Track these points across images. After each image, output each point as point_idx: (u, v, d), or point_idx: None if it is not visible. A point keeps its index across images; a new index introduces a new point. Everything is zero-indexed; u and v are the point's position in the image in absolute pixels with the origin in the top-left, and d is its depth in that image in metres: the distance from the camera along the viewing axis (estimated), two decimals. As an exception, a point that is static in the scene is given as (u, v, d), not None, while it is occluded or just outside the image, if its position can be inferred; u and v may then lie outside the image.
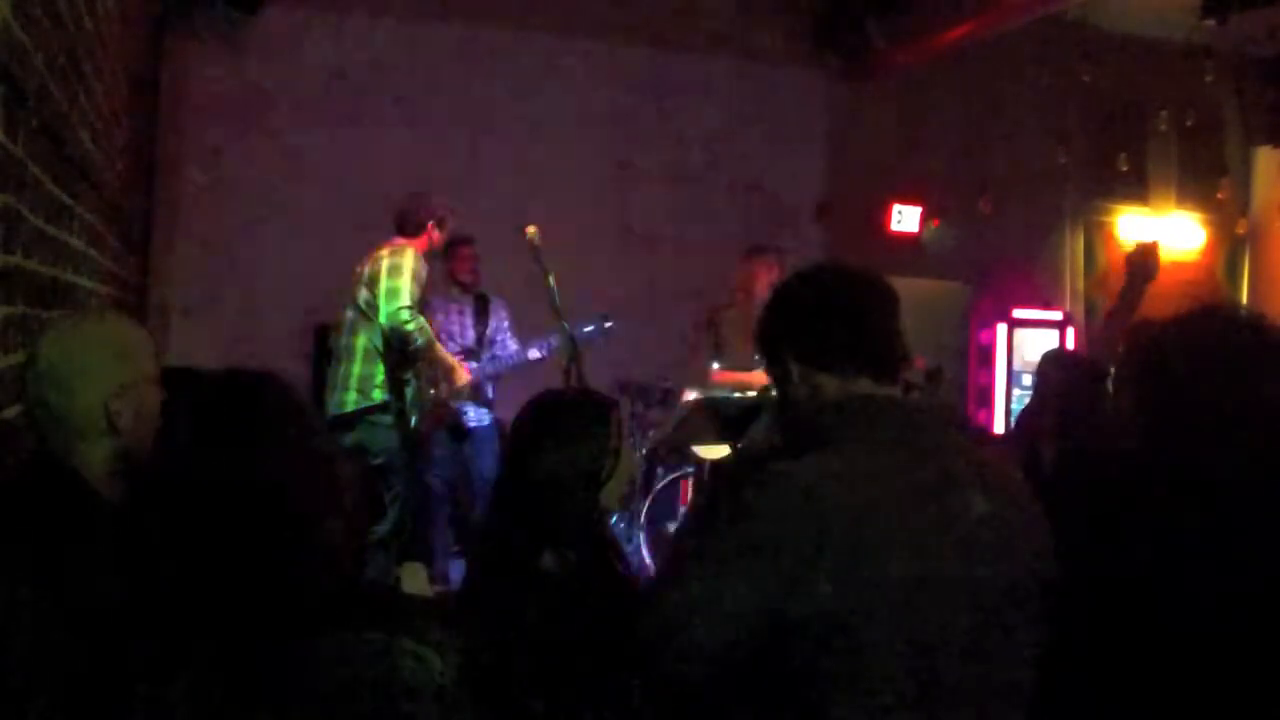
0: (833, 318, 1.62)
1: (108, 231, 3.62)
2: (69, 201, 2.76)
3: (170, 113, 5.67)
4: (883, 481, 1.45)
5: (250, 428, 1.44)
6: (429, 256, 4.62)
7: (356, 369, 4.45)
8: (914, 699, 1.40)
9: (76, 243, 2.92)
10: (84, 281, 3.07)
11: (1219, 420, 1.64)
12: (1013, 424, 4.51)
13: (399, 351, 4.38)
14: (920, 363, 5.45)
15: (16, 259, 2.16)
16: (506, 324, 5.34)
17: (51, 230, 2.53)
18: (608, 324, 5.01)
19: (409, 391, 4.48)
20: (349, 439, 4.37)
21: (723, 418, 4.03)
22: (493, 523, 2.12)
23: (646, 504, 5.30)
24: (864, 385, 1.57)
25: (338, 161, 5.94)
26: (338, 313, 4.68)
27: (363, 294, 4.46)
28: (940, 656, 1.41)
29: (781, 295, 1.69)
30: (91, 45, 3.06)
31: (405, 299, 4.31)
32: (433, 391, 4.74)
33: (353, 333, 4.48)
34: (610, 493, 2.08)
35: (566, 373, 4.66)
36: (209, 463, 1.43)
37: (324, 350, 5.73)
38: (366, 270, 4.49)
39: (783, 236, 5.69)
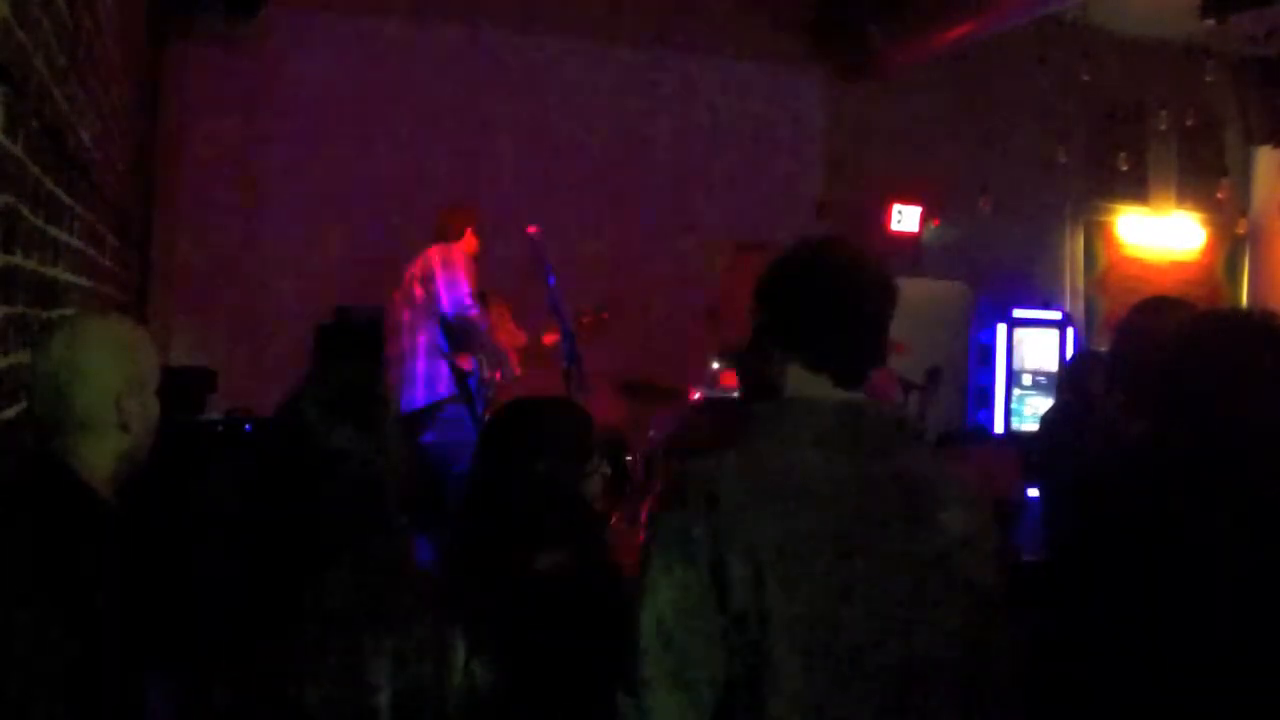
0: (790, 311, 1.53)
1: (108, 231, 3.62)
2: (69, 201, 2.76)
3: (170, 113, 5.67)
4: (786, 480, 1.42)
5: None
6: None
7: (422, 367, 4.57)
8: (825, 691, 1.38)
9: (76, 243, 2.92)
10: (84, 281, 3.07)
11: (1232, 421, 1.63)
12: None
13: (459, 341, 4.51)
14: (899, 348, 5.43)
15: (16, 259, 2.16)
16: (509, 323, 5.36)
17: (51, 230, 2.53)
18: (604, 314, 5.07)
19: (472, 382, 4.62)
20: (429, 435, 4.52)
21: (724, 417, 4.04)
22: (476, 526, 2.05)
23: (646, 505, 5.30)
24: (819, 385, 1.50)
25: (337, 162, 5.94)
26: (388, 316, 4.80)
27: (418, 292, 4.57)
28: (849, 646, 1.39)
29: (776, 273, 1.57)
30: (91, 45, 3.06)
31: (466, 288, 4.52)
32: (493, 378, 4.82)
33: (412, 333, 4.62)
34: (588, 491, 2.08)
35: (566, 373, 4.67)
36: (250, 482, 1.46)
37: (324, 350, 5.74)
38: (420, 270, 4.63)
39: (782, 236, 5.68)
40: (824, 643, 1.38)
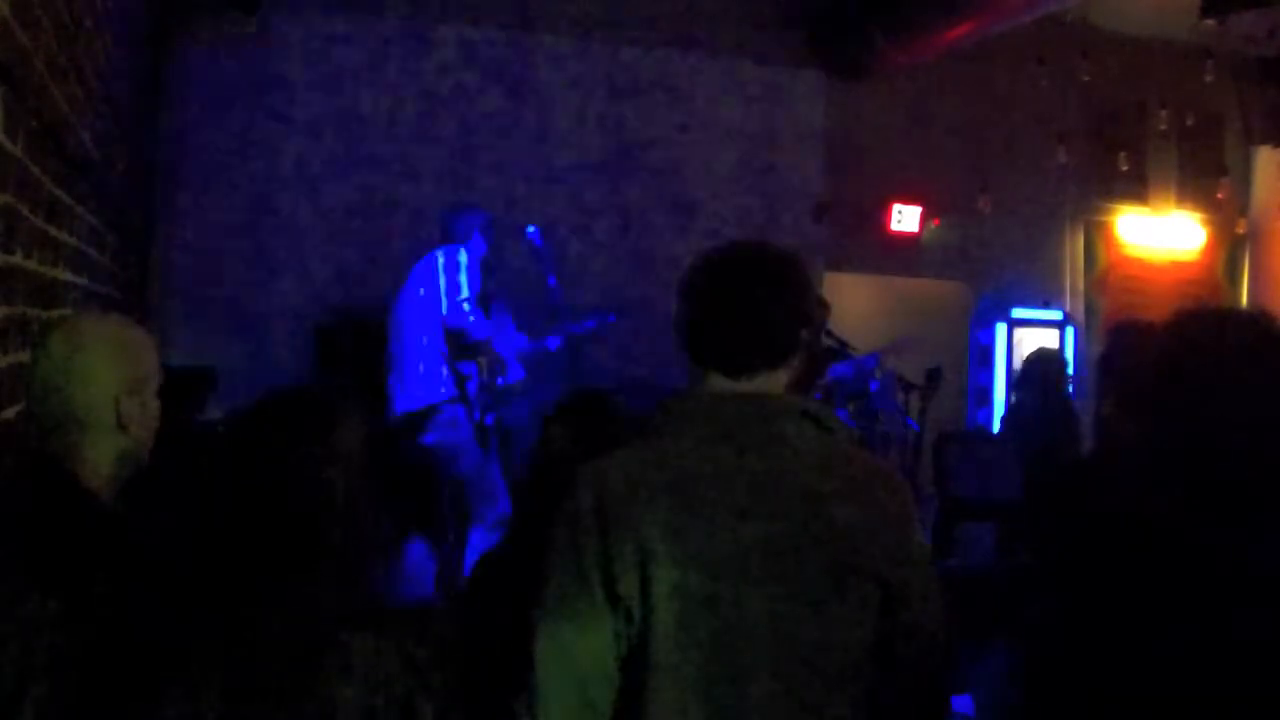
0: (685, 313, 1.57)
1: (108, 231, 3.62)
2: (69, 201, 2.76)
3: (170, 112, 5.67)
4: (667, 473, 1.43)
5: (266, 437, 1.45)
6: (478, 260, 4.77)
7: (421, 368, 4.57)
8: (703, 684, 1.39)
9: (76, 243, 2.92)
10: (84, 281, 3.07)
11: (1219, 422, 1.63)
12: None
13: (459, 345, 4.50)
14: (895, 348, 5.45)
15: (16, 259, 2.16)
16: (510, 323, 5.35)
17: (51, 230, 2.53)
18: (610, 318, 5.06)
19: (471, 386, 4.61)
20: (428, 437, 4.55)
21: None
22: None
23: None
24: (711, 379, 1.52)
25: (337, 161, 5.94)
26: (390, 315, 4.79)
27: (420, 293, 4.57)
28: (730, 639, 1.40)
29: (680, 280, 1.61)
30: (91, 45, 3.06)
31: (464, 292, 4.49)
32: (488, 381, 4.82)
33: (414, 334, 4.61)
34: None
35: (567, 373, 4.68)
36: (218, 471, 1.45)
37: (324, 350, 5.74)
38: (423, 271, 4.64)
39: (783, 236, 5.70)
40: (706, 634, 1.39)
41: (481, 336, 4.55)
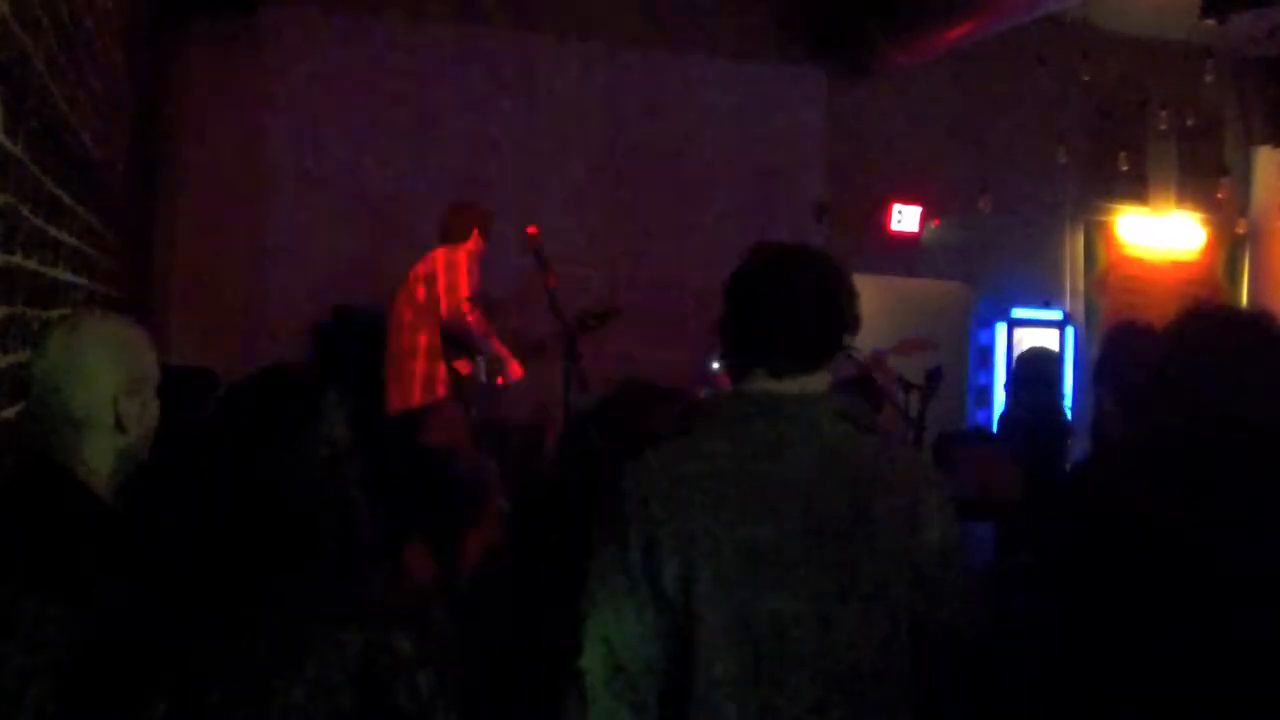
0: (732, 313, 1.60)
1: (108, 231, 3.62)
2: (69, 201, 2.76)
3: (170, 112, 5.67)
4: (706, 474, 1.45)
5: (255, 427, 1.45)
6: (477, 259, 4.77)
7: (420, 366, 4.57)
8: (744, 678, 1.40)
9: (76, 243, 2.92)
10: (84, 281, 3.07)
11: (1219, 422, 1.63)
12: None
13: (457, 344, 4.50)
14: (930, 344, 5.45)
15: (16, 259, 2.16)
16: (509, 323, 5.36)
17: (51, 230, 2.53)
18: (608, 319, 5.05)
19: (469, 385, 4.63)
20: (424, 436, 4.51)
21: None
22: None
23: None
24: (755, 378, 1.55)
25: (337, 161, 5.94)
26: (389, 313, 4.78)
27: (420, 292, 4.57)
28: (769, 633, 1.42)
29: (727, 282, 1.65)
30: (91, 45, 3.06)
31: (465, 292, 4.49)
32: (493, 382, 4.83)
33: (413, 332, 4.62)
34: None
35: (566, 372, 4.68)
36: (212, 461, 1.45)
37: (324, 350, 5.74)
38: (423, 270, 4.63)
39: (783, 236, 5.68)
40: (748, 629, 1.40)
41: (480, 336, 4.55)
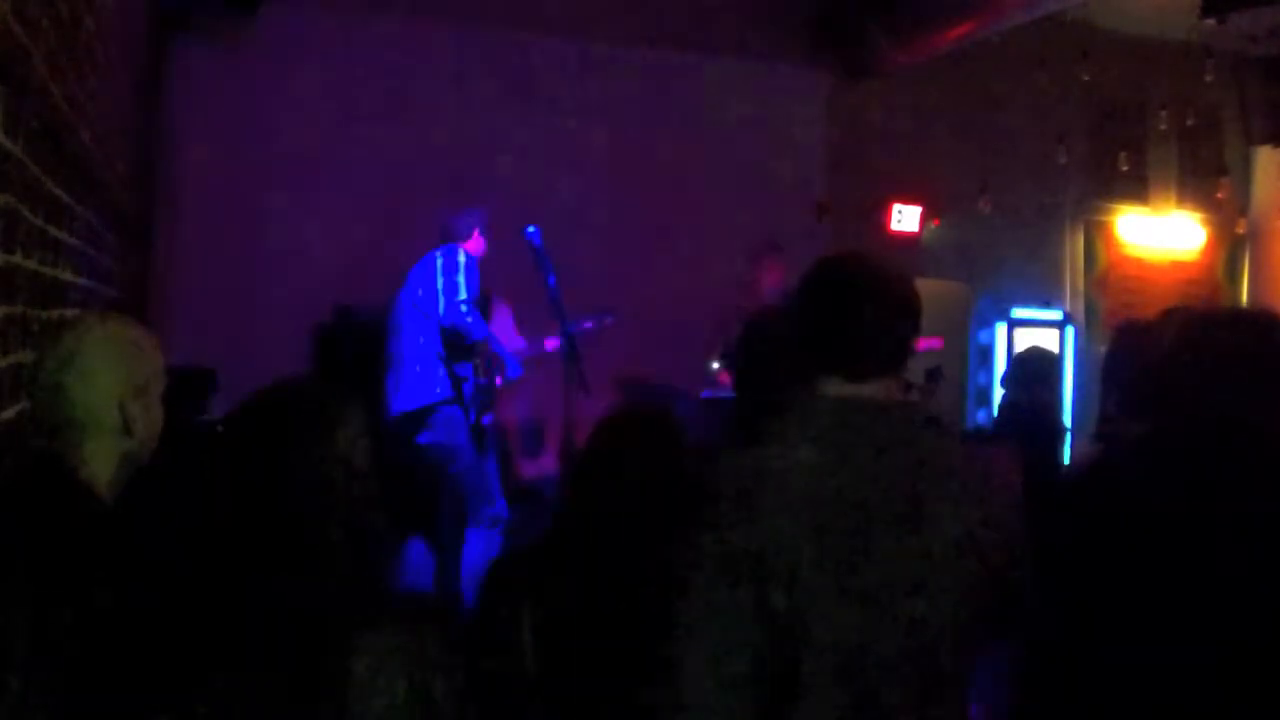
0: (803, 314, 1.63)
1: (108, 231, 3.62)
2: (69, 201, 2.76)
3: (170, 113, 5.67)
4: (793, 479, 1.46)
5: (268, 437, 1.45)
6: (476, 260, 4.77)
7: (418, 368, 4.57)
8: (851, 690, 1.42)
9: (76, 243, 2.92)
10: (84, 281, 3.07)
11: (1230, 421, 1.63)
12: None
13: (456, 346, 4.50)
14: (939, 343, 5.46)
15: (16, 259, 2.16)
16: (510, 323, 5.36)
17: (51, 230, 2.53)
18: (608, 319, 5.05)
19: (467, 386, 4.63)
20: (424, 437, 4.56)
21: (725, 418, 4.04)
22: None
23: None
24: (831, 384, 1.57)
25: (337, 161, 5.93)
26: (388, 316, 4.80)
27: (419, 294, 4.56)
28: (878, 641, 1.44)
29: (798, 286, 1.69)
30: (91, 45, 3.06)
31: (463, 293, 4.49)
32: (485, 382, 4.82)
33: (412, 334, 4.62)
34: None
35: (567, 374, 4.68)
36: (222, 474, 1.44)
37: (324, 350, 5.74)
38: (421, 271, 4.64)
39: (783, 236, 5.69)
40: (853, 638, 1.42)
41: (479, 337, 4.55)
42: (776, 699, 1.42)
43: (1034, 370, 4.67)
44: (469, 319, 4.47)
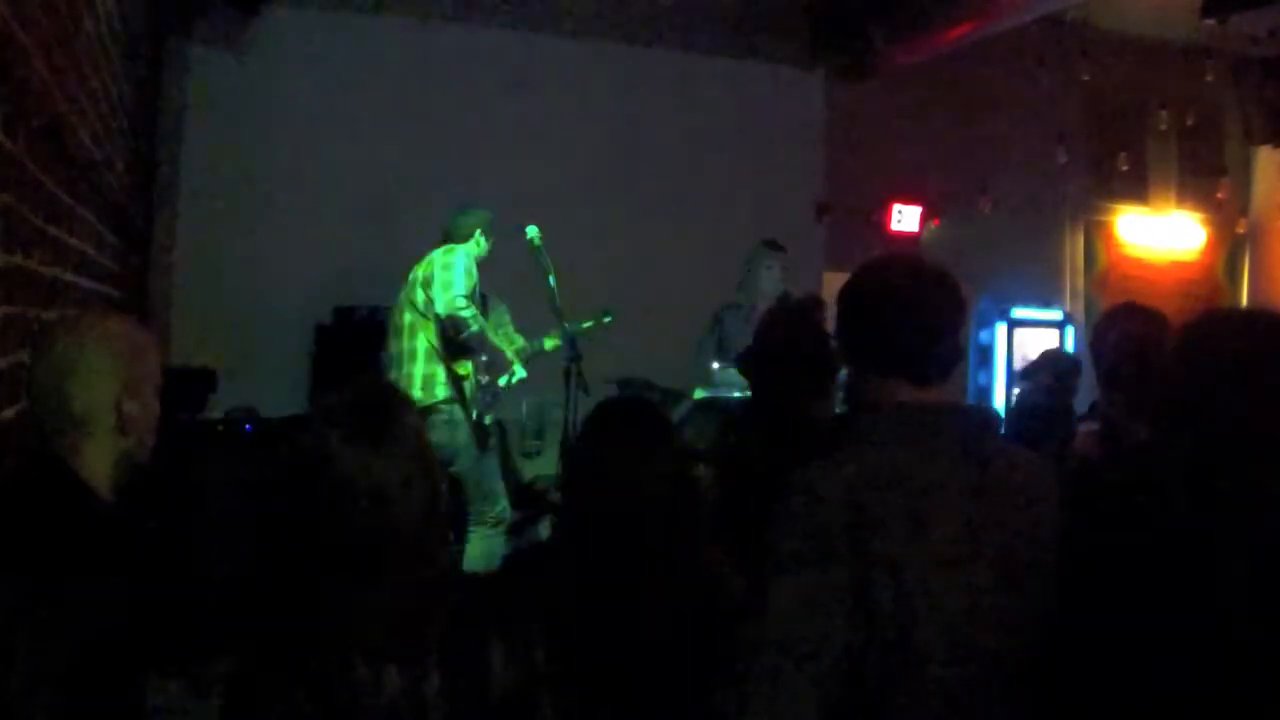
0: (865, 320, 1.65)
1: (108, 231, 3.62)
2: (69, 201, 2.76)
3: (170, 113, 5.67)
4: (910, 483, 1.50)
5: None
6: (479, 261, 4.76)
7: (420, 369, 4.59)
8: (952, 690, 1.46)
9: (76, 243, 2.92)
10: (84, 281, 3.07)
11: (1235, 423, 1.62)
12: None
13: (455, 343, 4.49)
14: None
15: (16, 259, 2.16)
16: (508, 321, 5.35)
17: (51, 230, 2.53)
18: (607, 318, 5.04)
19: (468, 386, 4.61)
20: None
21: (723, 417, 4.04)
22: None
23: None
24: (899, 388, 1.60)
25: (338, 161, 5.93)
26: (389, 317, 4.79)
27: (419, 295, 4.59)
28: (974, 642, 1.48)
29: (840, 295, 1.71)
30: (91, 45, 3.06)
31: (460, 289, 4.47)
32: (486, 381, 4.81)
33: (412, 335, 4.62)
34: None
35: (566, 372, 4.68)
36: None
37: (324, 349, 5.74)
38: (421, 272, 4.64)
39: (783, 236, 5.69)
40: (958, 642, 1.46)
41: (475, 330, 4.53)
42: (873, 704, 1.44)
43: (1065, 371, 4.61)
44: (465, 312, 4.47)
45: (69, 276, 2.80)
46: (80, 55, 2.86)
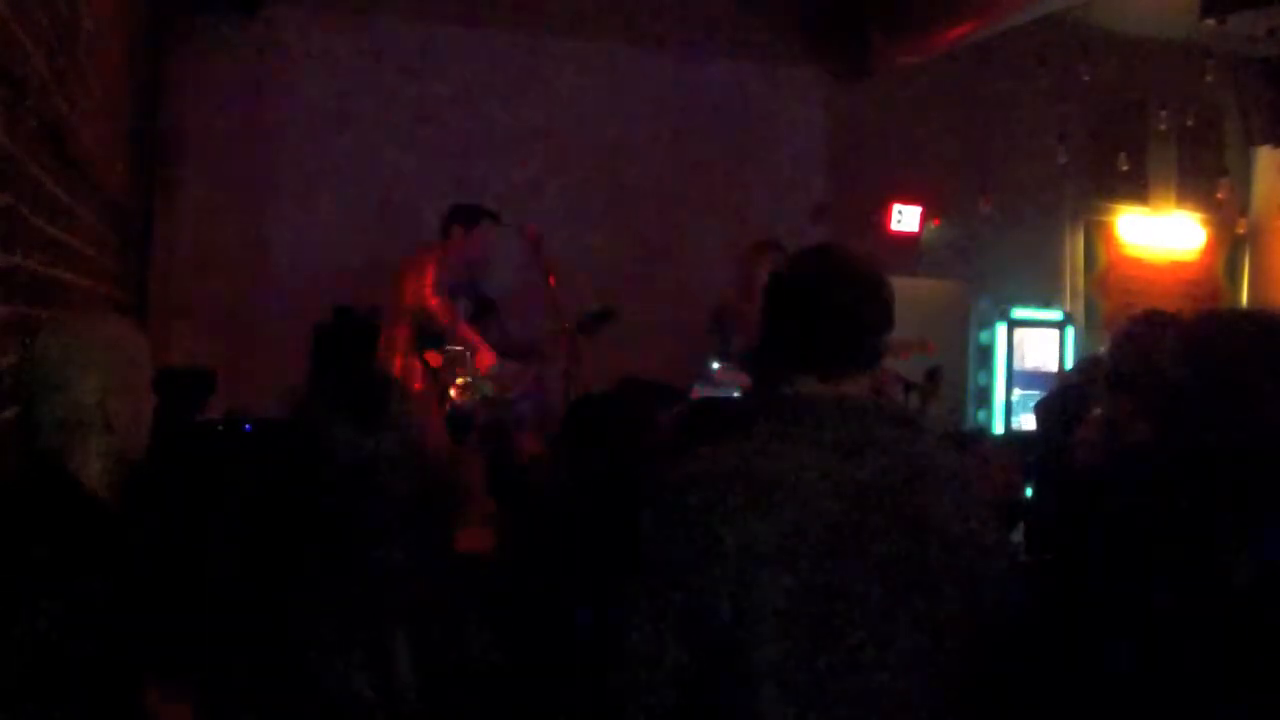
0: (782, 315, 1.60)
1: (108, 231, 3.62)
2: (69, 201, 2.76)
3: (170, 112, 5.67)
4: (773, 477, 1.44)
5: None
6: (460, 255, 4.79)
7: (399, 361, 4.69)
8: (807, 681, 1.40)
9: (76, 243, 2.92)
10: (84, 281, 3.07)
11: (1236, 423, 1.62)
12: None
13: (428, 336, 4.54)
14: (931, 347, 5.46)
15: (16, 259, 2.16)
16: (503, 320, 5.36)
17: (51, 230, 2.53)
18: (605, 318, 5.06)
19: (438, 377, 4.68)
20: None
21: (723, 417, 4.03)
22: None
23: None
24: (805, 383, 1.54)
25: (337, 161, 5.94)
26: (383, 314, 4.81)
27: (401, 289, 4.67)
28: (832, 637, 1.41)
29: (770, 282, 1.65)
30: (91, 45, 3.06)
31: (429, 280, 4.56)
32: (460, 377, 4.83)
33: (393, 327, 4.75)
34: None
35: (566, 372, 4.69)
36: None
37: (324, 349, 5.73)
38: (403, 268, 4.71)
39: (782, 236, 5.69)
40: (810, 643, 1.39)
41: (446, 324, 4.59)
42: (730, 693, 1.40)
43: (1089, 377, 4.50)
44: (433, 302, 4.54)
45: (69, 276, 2.80)
46: (80, 55, 2.86)
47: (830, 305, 1.55)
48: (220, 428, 4.66)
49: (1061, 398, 4.27)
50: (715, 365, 5.04)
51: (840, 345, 1.55)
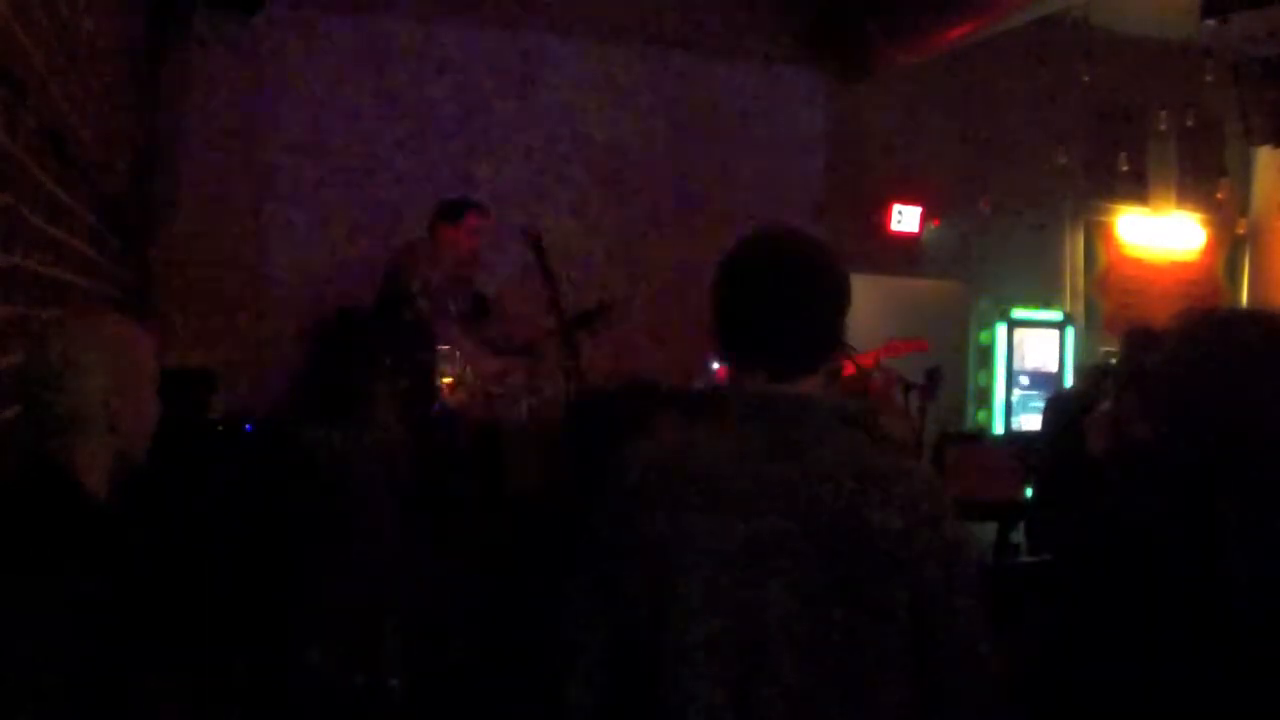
0: (727, 306, 1.51)
1: (108, 231, 3.62)
2: (69, 201, 2.76)
3: (170, 112, 5.66)
4: (692, 472, 1.44)
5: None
6: (447, 252, 4.81)
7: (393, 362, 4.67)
8: (725, 676, 1.37)
9: (76, 243, 2.92)
10: (84, 281, 3.07)
11: (1236, 423, 1.62)
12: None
13: (415, 332, 4.57)
14: (924, 345, 5.46)
15: (16, 259, 2.16)
16: (505, 321, 5.36)
17: (51, 230, 2.53)
18: (605, 317, 5.06)
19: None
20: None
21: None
22: None
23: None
24: (753, 379, 1.48)
25: (338, 162, 5.93)
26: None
27: (386, 287, 4.69)
28: (753, 634, 1.38)
29: (715, 274, 1.55)
30: (91, 45, 3.06)
31: (415, 280, 4.57)
32: (448, 376, 4.83)
33: (381, 325, 4.70)
34: None
35: (565, 372, 4.68)
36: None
37: (324, 349, 5.73)
38: (386, 268, 4.74)
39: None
40: (722, 627, 1.38)
41: (424, 324, 4.60)
42: (648, 680, 1.40)
43: (1098, 382, 4.47)
44: (418, 300, 4.58)
45: (69, 276, 2.80)
46: (80, 55, 2.86)
47: (768, 299, 1.45)
48: (220, 428, 4.67)
49: (1077, 400, 4.29)
50: (715, 365, 5.05)
51: (784, 344, 1.46)
